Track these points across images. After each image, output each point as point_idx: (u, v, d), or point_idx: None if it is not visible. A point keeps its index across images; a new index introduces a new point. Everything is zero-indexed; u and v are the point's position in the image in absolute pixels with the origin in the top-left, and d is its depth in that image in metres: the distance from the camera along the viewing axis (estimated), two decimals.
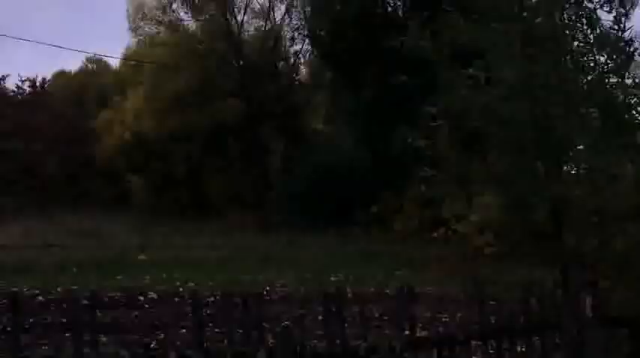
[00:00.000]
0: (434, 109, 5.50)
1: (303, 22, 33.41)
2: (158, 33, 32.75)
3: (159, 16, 32.42)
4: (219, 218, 31.91)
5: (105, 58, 47.71)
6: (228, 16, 32.66)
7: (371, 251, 17.36)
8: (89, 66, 54.31)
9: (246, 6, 34.07)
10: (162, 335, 7.49)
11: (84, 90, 48.60)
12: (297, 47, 35.77)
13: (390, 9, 23.06)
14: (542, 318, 4.06)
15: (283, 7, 34.93)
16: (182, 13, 33.21)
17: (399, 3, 23.18)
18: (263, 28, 35.21)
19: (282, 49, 36.38)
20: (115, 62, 48.17)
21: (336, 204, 25.13)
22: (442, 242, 19.04)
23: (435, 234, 17.16)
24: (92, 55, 48.78)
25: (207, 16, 32.32)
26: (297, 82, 36.91)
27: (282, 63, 36.72)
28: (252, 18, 35.19)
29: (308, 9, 26.57)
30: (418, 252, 16.43)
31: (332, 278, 11.91)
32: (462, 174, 5.40)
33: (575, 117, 4.64)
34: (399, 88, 22.23)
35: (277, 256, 15.85)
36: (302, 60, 36.93)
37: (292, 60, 36.44)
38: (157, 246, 17.86)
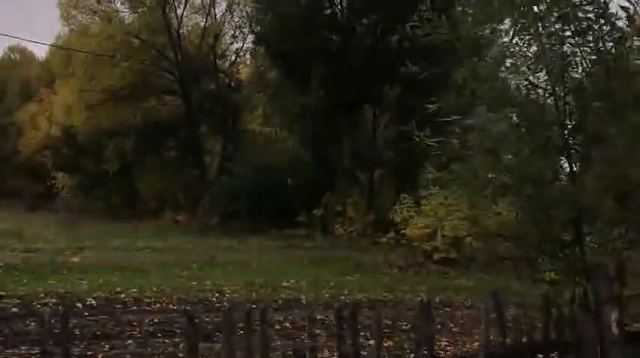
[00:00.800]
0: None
1: (245, 20, 32.92)
2: (92, 23, 31.06)
3: (93, 6, 30.82)
4: (153, 218, 30.75)
5: (30, 48, 45.09)
6: (167, 10, 31.42)
7: (318, 255, 16.96)
8: (12, 55, 51.47)
9: (186, 0, 32.99)
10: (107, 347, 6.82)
11: (5, 82, 45.96)
12: (238, 45, 35.22)
13: (336, 10, 22.73)
14: (560, 335, 3.80)
15: (224, 4, 34.23)
16: (118, 4, 31.78)
17: (344, 4, 22.89)
18: (203, 24, 34.25)
19: (223, 46, 35.59)
20: (41, 52, 45.64)
21: (278, 207, 24.60)
22: (387, 246, 19.01)
23: (384, 239, 16.96)
24: (16, 43, 46.31)
25: (144, 9, 30.96)
26: (237, 81, 36.02)
27: (222, 61, 35.83)
28: (191, 13, 34.19)
29: (252, 6, 25.82)
30: (366, 256, 16.18)
31: (284, 284, 11.44)
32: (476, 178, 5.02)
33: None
34: (346, 90, 22.34)
35: (221, 260, 15.16)
36: (243, 58, 36.39)
37: (233, 58, 35.63)
38: (89, 248, 16.72)
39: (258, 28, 23.61)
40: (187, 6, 33.11)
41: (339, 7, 22.81)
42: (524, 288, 13.19)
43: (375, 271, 14.07)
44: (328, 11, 22.81)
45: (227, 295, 10.24)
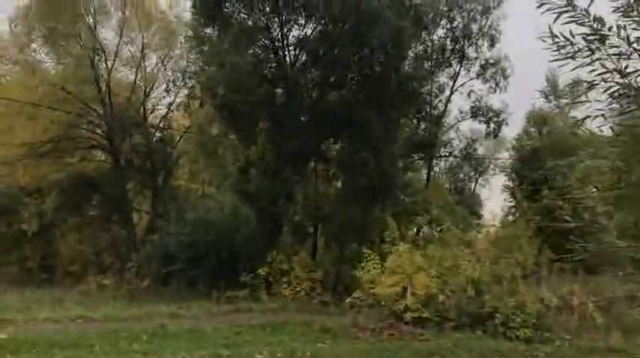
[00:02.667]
0: None
1: (178, 74, 31.96)
2: (12, 73, 28.96)
3: (14, 55, 28.78)
4: (75, 283, 28.13)
5: None
6: (96, 61, 29.90)
7: (273, 319, 15.68)
8: None
9: (116, 53, 31.59)
10: None
11: None
12: (171, 99, 34.05)
13: (282, 63, 22.31)
14: None
15: (155, 57, 33.10)
16: (43, 54, 29.86)
17: (291, 58, 22.56)
18: (134, 77, 32.84)
19: (154, 100, 34.29)
20: None
21: (217, 267, 23.00)
22: (338, 308, 18.06)
23: (348, 300, 15.94)
24: None
25: (71, 60, 29.25)
26: (169, 136, 34.63)
27: (153, 115, 34.45)
28: (121, 65, 32.71)
29: (195, 57, 24.96)
30: (329, 318, 15.08)
31: (257, 356, 10.16)
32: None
33: None
34: (292, 144, 21.65)
35: (171, 329, 13.60)
36: (176, 113, 35.14)
37: (166, 111, 34.30)
38: (13, 321, 14.57)
39: (203, 79, 22.63)
40: (117, 58, 31.63)
41: (285, 60, 22.36)
42: (500, 346, 12.72)
43: (346, 336, 13.01)
44: (274, 64, 22.30)
45: None
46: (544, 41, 5.27)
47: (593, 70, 5.59)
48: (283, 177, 21.47)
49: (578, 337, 14.00)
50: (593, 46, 5.09)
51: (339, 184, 24.90)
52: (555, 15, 4.97)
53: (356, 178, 20.96)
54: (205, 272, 22.97)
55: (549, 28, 4.94)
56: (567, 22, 5.05)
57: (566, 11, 4.96)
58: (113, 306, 19.16)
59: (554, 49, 5.21)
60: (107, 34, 31.00)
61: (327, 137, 23.33)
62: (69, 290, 25.38)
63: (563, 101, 36.75)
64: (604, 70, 5.41)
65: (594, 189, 28.61)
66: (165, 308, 18.23)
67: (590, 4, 4.85)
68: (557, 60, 5.28)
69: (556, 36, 5.10)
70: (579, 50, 5.15)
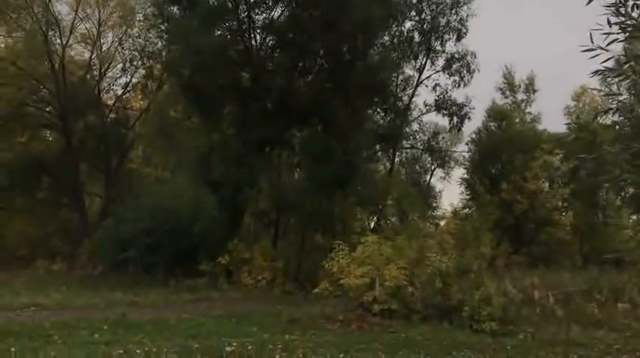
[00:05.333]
0: None
1: (136, 53, 30.83)
2: None
3: None
4: (22, 268, 26.84)
5: None
6: (50, 37, 28.49)
7: (237, 309, 15.29)
8: None
9: (72, 29, 30.23)
10: None
11: None
12: (127, 79, 32.89)
13: (249, 46, 21.76)
14: None
15: (112, 34, 31.87)
16: None
17: (257, 40, 22.04)
18: (89, 55, 31.57)
19: (109, 80, 33.06)
20: None
21: (175, 254, 22.26)
22: (301, 298, 17.85)
23: (317, 290, 15.68)
24: None
25: (23, 33, 27.80)
26: (124, 117, 33.46)
27: (108, 95, 33.28)
28: (76, 42, 31.37)
29: (157, 35, 24.02)
30: (296, 309, 14.79)
31: (228, 349, 9.78)
32: None
33: None
34: (257, 130, 21.17)
35: (133, 318, 13.04)
36: (132, 94, 34.00)
37: (122, 92, 33.12)
38: None
39: (167, 59, 21.85)
40: (72, 35, 30.28)
41: (252, 43, 21.82)
42: (468, 338, 12.76)
43: (315, 327, 12.75)
44: (241, 47, 21.71)
45: None
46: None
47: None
48: (247, 164, 20.95)
49: (540, 330, 14.18)
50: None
51: (302, 173, 24.59)
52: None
53: (321, 167, 20.67)
54: (163, 260, 22.18)
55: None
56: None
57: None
58: (65, 293, 18.30)
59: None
60: (62, 9, 29.70)
61: (293, 124, 22.94)
62: (16, 275, 24.14)
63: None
64: None
65: (547, 184, 29.12)
66: (122, 296, 17.54)
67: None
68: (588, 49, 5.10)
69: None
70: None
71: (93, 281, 22.89)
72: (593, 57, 5.38)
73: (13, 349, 9.11)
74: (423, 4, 28.05)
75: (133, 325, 12.22)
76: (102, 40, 31.62)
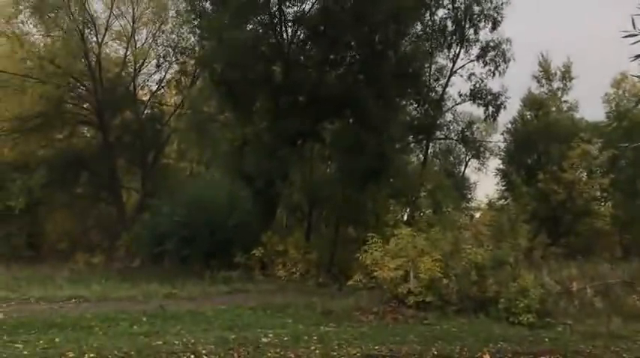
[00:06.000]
0: None
1: (170, 49, 31.23)
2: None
3: (1, 26, 27.84)
4: (63, 261, 27.54)
5: None
6: (86, 35, 29.08)
7: (273, 301, 15.39)
8: None
9: (107, 27, 30.76)
10: None
11: None
12: (161, 75, 33.36)
13: (281, 40, 21.80)
14: None
15: (146, 31, 32.32)
16: (31, 26, 28.93)
17: (289, 34, 22.05)
18: (124, 52, 32.10)
19: (144, 76, 33.57)
20: None
21: (210, 247, 22.56)
22: (335, 290, 17.91)
23: (351, 282, 15.72)
24: None
25: (61, 32, 28.41)
26: (160, 113, 33.98)
27: (143, 91, 33.81)
28: (112, 39, 31.92)
29: (190, 30, 24.27)
30: (330, 301, 14.83)
31: (264, 340, 9.90)
32: None
33: None
34: (290, 123, 21.24)
35: (171, 310, 13.28)
36: (167, 90, 34.48)
37: (156, 88, 33.62)
38: (6, 299, 14.17)
39: (200, 54, 22.08)
40: (107, 32, 30.83)
41: (283, 37, 21.86)
42: (505, 331, 12.60)
43: (350, 319, 12.78)
44: (273, 40, 21.77)
45: (206, 357, 8.60)
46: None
47: None
48: (280, 157, 21.05)
49: (579, 322, 13.92)
50: None
51: (335, 165, 24.57)
52: None
53: (354, 160, 20.62)
54: (198, 253, 22.54)
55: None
56: None
57: None
58: (105, 285, 18.72)
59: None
60: (97, 7, 30.24)
61: (325, 117, 22.92)
62: (57, 269, 24.79)
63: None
64: None
65: (585, 174, 28.39)
66: (159, 288, 17.84)
67: None
68: None
69: None
70: None
71: (131, 273, 23.31)
72: (635, 43, 5.21)
73: (57, 339, 9.44)
74: None
75: (171, 317, 12.44)
76: (136, 37, 32.12)
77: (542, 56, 35.81)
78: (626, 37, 5.18)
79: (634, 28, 5.09)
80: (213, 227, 22.55)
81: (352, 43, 21.73)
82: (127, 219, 30.79)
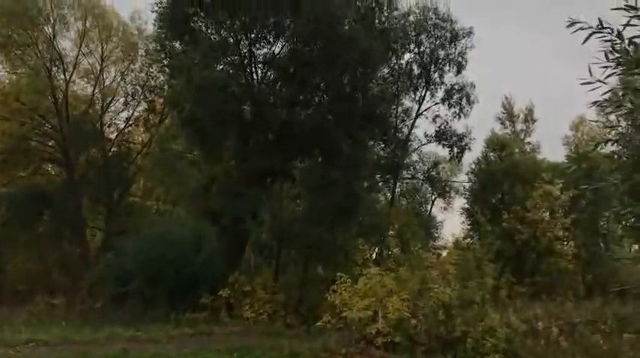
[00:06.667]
0: None
1: (138, 87, 31.28)
2: None
3: None
4: (21, 303, 26.61)
5: None
6: (53, 72, 28.90)
7: (240, 344, 15.13)
8: None
9: (75, 64, 30.64)
10: None
11: None
12: (129, 113, 33.24)
13: (251, 80, 22.06)
14: None
15: (114, 69, 32.29)
16: None
17: (259, 74, 22.34)
18: (92, 90, 31.91)
19: (111, 114, 33.37)
20: None
21: (176, 287, 22.12)
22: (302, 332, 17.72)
23: (319, 323, 15.57)
24: None
25: (27, 70, 28.17)
26: (126, 151, 33.69)
27: (110, 129, 33.56)
28: (79, 77, 31.77)
29: (159, 70, 24.39)
30: (298, 343, 14.65)
31: None
32: None
33: None
34: (259, 162, 21.30)
35: (135, 354, 12.93)
36: (134, 128, 34.30)
37: (124, 126, 33.42)
38: None
39: (168, 93, 22.14)
40: (75, 70, 30.70)
41: (253, 77, 22.12)
42: None
43: None
44: (243, 81, 21.99)
45: None
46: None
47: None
48: (249, 195, 21.02)
49: None
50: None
51: (304, 204, 24.60)
52: (584, 35, 4.96)
53: (323, 198, 20.74)
54: (163, 293, 22.04)
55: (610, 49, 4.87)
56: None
57: (598, 32, 4.94)
58: (66, 328, 18.14)
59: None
60: (66, 45, 30.14)
61: (294, 156, 23.08)
62: (16, 311, 23.97)
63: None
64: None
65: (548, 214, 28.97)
66: (122, 330, 17.36)
67: (624, 28, 4.83)
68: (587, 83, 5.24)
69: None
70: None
71: (93, 315, 22.65)
72: (592, 90, 5.50)
73: None
74: (422, 37, 28.50)
75: None
76: (104, 75, 32.05)
77: (506, 98, 37.03)
78: (583, 84, 5.46)
79: (590, 76, 5.37)
80: (179, 267, 22.15)
81: (321, 85, 22.09)
82: (90, 258, 30.07)
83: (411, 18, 28.83)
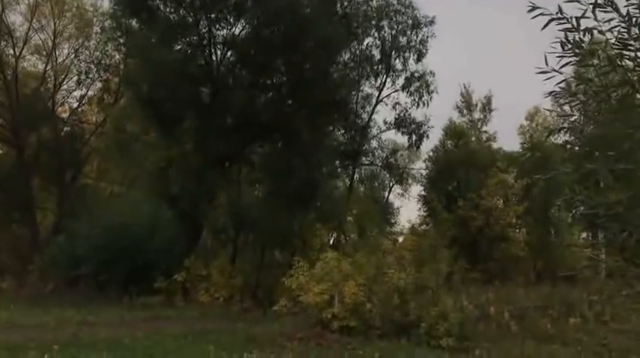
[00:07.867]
0: None
1: (93, 65, 30.39)
2: None
3: None
4: None
5: None
6: (3, 47, 27.78)
7: (194, 328, 14.98)
8: None
9: (26, 40, 29.50)
10: None
11: None
12: (82, 92, 32.30)
13: (210, 61, 21.66)
14: None
15: (67, 46, 31.27)
16: None
17: (220, 54, 21.96)
18: (44, 67, 30.83)
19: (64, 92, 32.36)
20: None
21: (130, 271, 21.73)
22: (260, 316, 17.72)
23: (276, 307, 15.55)
24: None
25: None
26: (80, 131, 32.73)
27: (62, 108, 32.53)
28: (30, 53, 30.63)
29: (115, 48, 23.72)
30: (254, 327, 14.60)
31: None
32: None
33: None
34: (217, 146, 21.01)
35: (85, 338, 12.63)
36: (88, 107, 33.36)
37: (77, 105, 32.45)
38: None
39: (125, 73, 21.54)
40: (26, 46, 29.57)
41: (212, 59, 21.71)
42: (426, 355, 12.83)
43: (273, 345, 12.57)
44: (201, 62, 21.57)
45: None
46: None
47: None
48: (206, 179, 20.72)
49: (496, 345, 14.35)
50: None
51: (263, 189, 24.46)
52: (543, 22, 4.99)
53: (282, 184, 20.63)
54: (117, 277, 21.68)
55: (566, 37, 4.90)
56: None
57: (558, 19, 4.97)
58: (13, 311, 17.66)
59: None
60: (16, 19, 29.00)
61: (254, 140, 22.86)
62: None
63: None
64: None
65: (502, 202, 29.59)
66: (73, 314, 17.00)
67: (582, 16, 4.88)
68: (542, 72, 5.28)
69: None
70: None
71: (43, 299, 22.05)
72: (547, 79, 5.55)
73: None
74: (384, 22, 28.53)
75: (86, 345, 11.82)
76: (57, 52, 31.02)
77: (465, 87, 37.52)
78: (539, 73, 5.52)
79: (546, 65, 5.43)
80: (133, 250, 21.73)
81: (282, 69, 21.88)
82: (40, 241, 29.22)
83: (374, 3, 28.84)
